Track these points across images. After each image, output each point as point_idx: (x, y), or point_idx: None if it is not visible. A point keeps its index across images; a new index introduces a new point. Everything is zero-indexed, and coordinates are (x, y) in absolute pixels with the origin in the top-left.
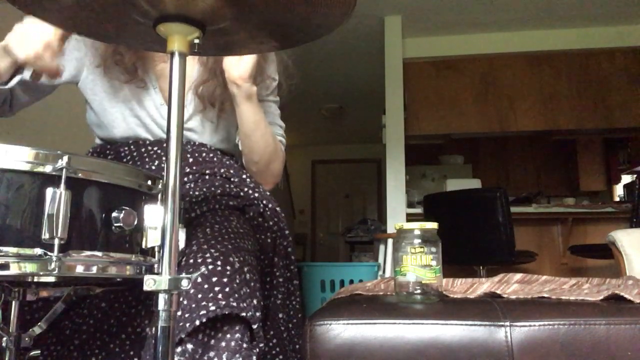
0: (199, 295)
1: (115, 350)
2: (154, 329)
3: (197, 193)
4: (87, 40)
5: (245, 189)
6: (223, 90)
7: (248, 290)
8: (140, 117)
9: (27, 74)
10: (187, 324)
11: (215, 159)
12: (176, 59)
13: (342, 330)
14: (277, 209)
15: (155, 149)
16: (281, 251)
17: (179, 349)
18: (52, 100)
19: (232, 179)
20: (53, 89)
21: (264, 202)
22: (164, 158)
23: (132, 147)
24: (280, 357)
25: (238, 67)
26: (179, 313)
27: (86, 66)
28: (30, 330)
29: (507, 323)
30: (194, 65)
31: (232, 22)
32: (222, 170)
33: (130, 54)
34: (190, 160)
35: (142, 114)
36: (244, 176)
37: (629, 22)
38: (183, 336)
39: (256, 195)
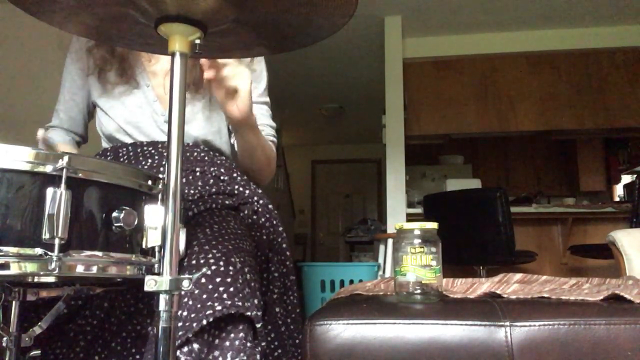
0: (204, 296)
1: (117, 349)
2: (155, 328)
3: (191, 191)
4: (81, 51)
5: (237, 187)
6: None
7: (249, 290)
8: (134, 114)
9: None
10: (194, 324)
11: (206, 158)
12: (177, 60)
13: (342, 330)
14: (270, 205)
15: (149, 149)
16: (276, 247)
17: (185, 349)
18: (52, 100)
19: (222, 178)
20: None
21: (256, 199)
22: (156, 157)
23: (129, 147)
24: (279, 350)
25: (238, 104)
26: (185, 313)
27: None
28: (30, 330)
29: (507, 323)
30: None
31: (233, 23)
32: (213, 169)
33: (118, 58)
34: None
35: (136, 111)
36: (235, 174)
37: (629, 22)
38: (190, 335)
39: (248, 192)
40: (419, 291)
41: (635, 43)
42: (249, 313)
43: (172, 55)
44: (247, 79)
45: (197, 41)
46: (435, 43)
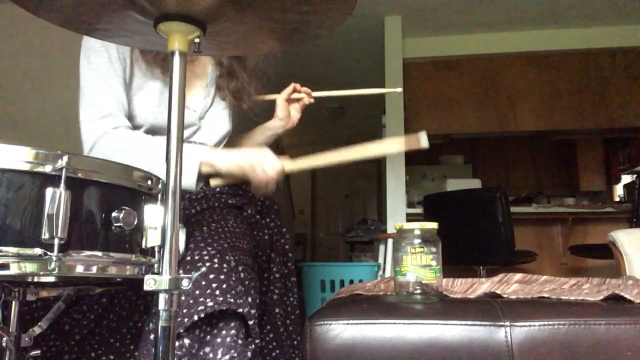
0: (197, 292)
1: (115, 345)
2: (151, 324)
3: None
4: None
5: (244, 186)
6: (238, 83)
7: (243, 288)
8: (163, 107)
9: None
10: (185, 319)
11: None
12: (176, 58)
13: (342, 330)
14: (275, 206)
15: None
16: (278, 248)
17: (176, 344)
18: (52, 100)
19: None
20: None
21: (262, 199)
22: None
23: None
24: (277, 351)
25: (297, 117)
26: None
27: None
28: (30, 330)
29: (507, 323)
30: (208, 62)
31: (233, 22)
32: None
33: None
34: None
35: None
36: None
37: (629, 22)
38: (181, 331)
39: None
40: (419, 291)
41: (635, 43)
42: (240, 310)
43: (172, 54)
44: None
45: (197, 40)
46: (435, 43)
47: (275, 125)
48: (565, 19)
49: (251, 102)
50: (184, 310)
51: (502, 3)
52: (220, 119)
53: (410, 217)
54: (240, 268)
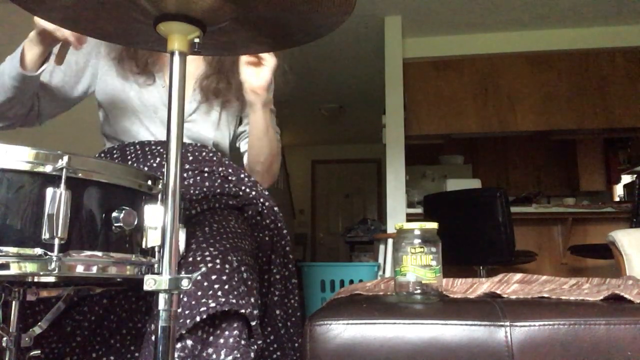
0: (199, 293)
1: (116, 346)
2: (153, 325)
3: (197, 191)
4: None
5: (243, 188)
6: (225, 85)
7: (246, 289)
8: (145, 113)
9: (51, 64)
10: (188, 320)
11: (214, 158)
12: (176, 59)
13: (342, 330)
14: (275, 207)
15: (158, 148)
16: (279, 249)
17: (178, 345)
18: None
19: (230, 178)
20: (76, 101)
21: (262, 200)
22: (165, 156)
23: (137, 146)
24: (278, 353)
25: (258, 77)
26: (179, 310)
27: (100, 64)
28: (31, 330)
29: (507, 323)
30: (198, 63)
31: (233, 22)
32: (221, 169)
33: (145, 50)
34: (190, 158)
35: (147, 110)
36: (242, 175)
37: (629, 22)
38: (183, 332)
39: (254, 194)
40: (419, 291)
41: (635, 43)
42: (243, 310)
43: (172, 54)
44: (273, 57)
45: (197, 40)
46: (435, 43)
47: (246, 94)
48: (565, 19)
49: (241, 104)
50: (187, 311)
51: (502, 3)
52: (202, 124)
53: (410, 217)
54: (242, 268)
